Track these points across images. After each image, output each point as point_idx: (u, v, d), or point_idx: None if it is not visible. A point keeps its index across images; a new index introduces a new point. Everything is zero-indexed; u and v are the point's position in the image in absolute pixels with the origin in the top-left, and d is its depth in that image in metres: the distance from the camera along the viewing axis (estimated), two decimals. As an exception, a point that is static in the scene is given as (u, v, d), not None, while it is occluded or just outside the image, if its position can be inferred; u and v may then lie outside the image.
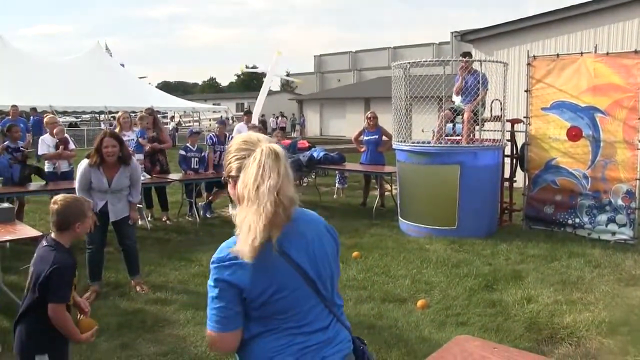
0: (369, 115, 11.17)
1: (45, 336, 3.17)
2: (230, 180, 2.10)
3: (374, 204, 10.41)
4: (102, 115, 34.96)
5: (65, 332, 3.17)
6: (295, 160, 10.87)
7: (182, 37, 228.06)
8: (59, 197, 3.33)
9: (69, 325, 3.17)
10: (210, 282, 2.07)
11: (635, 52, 7.96)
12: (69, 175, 8.96)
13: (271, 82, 26.12)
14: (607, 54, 8.25)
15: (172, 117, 39.85)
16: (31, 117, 21.18)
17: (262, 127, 26.61)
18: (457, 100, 9.77)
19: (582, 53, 8.51)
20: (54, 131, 8.86)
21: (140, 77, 41.66)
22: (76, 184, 5.86)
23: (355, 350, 2.23)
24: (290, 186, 2.04)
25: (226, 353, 2.19)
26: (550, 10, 13.29)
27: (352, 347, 2.21)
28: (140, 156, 9.03)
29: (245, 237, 1.95)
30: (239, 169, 2.04)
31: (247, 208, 1.97)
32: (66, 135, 9.20)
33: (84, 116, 41.94)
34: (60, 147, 8.81)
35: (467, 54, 9.76)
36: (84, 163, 5.81)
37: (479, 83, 8.67)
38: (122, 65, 38.53)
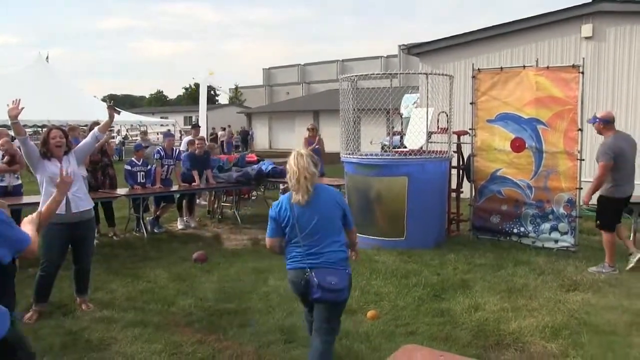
0: (309, 127, 11.43)
1: None
2: None
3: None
4: (45, 129, 34.02)
5: None
6: (244, 174, 10.83)
7: (130, 49, 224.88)
8: None
9: None
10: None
11: (573, 66, 8.24)
12: (17, 190, 8.78)
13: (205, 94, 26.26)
14: (548, 67, 8.50)
15: (119, 131, 39.06)
16: None
17: (214, 140, 26.47)
18: (405, 112, 9.92)
19: (524, 66, 8.75)
20: (0, 142, 8.60)
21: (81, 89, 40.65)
22: (29, 158, 5.70)
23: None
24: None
25: (274, 252, 4.19)
26: (494, 25, 13.66)
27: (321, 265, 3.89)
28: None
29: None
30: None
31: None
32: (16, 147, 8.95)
33: (26, 130, 40.74)
34: (6, 157, 8.56)
35: None
36: None
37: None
38: None
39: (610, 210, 7.25)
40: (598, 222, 7.38)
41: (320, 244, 3.90)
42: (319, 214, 3.91)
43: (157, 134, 37.26)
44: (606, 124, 7.27)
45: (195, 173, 10.53)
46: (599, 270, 7.13)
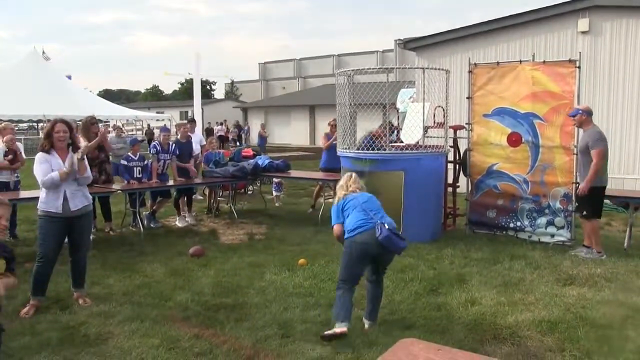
0: (331, 122, 11.40)
1: None
2: None
3: (320, 210, 10.44)
4: (41, 124, 33.94)
5: None
6: (240, 169, 10.79)
7: (125, 44, 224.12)
8: None
9: None
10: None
11: (570, 60, 8.25)
12: (16, 186, 8.93)
13: (199, 85, 25.76)
14: (544, 62, 8.51)
15: (114, 126, 38.96)
16: None
17: (209, 134, 26.38)
18: (401, 107, 9.91)
19: (520, 61, 8.75)
20: (4, 139, 8.58)
21: (85, 89, 40.63)
22: (38, 176, 5.64)
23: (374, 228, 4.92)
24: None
25: (338, 236, 5.14)
26: (491, 20, 13.66)
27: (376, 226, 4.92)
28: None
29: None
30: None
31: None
32: (17, 143, 8.98)
33: (20, 125, 40.64)
34: (10, 155, 8.57)
35: None
36: (38, 154, 5.74)
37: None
38: (69, 78, 37.35)
39: (597, 199, 7.51)
40: (584, 212, 7.63)
41: (378, 215, 5.04)
42: (366, 196, 5.26)
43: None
44: (589, 115, 7.57)
45: (177, 162, 10.37)
46: (587, 254, 7.48)
